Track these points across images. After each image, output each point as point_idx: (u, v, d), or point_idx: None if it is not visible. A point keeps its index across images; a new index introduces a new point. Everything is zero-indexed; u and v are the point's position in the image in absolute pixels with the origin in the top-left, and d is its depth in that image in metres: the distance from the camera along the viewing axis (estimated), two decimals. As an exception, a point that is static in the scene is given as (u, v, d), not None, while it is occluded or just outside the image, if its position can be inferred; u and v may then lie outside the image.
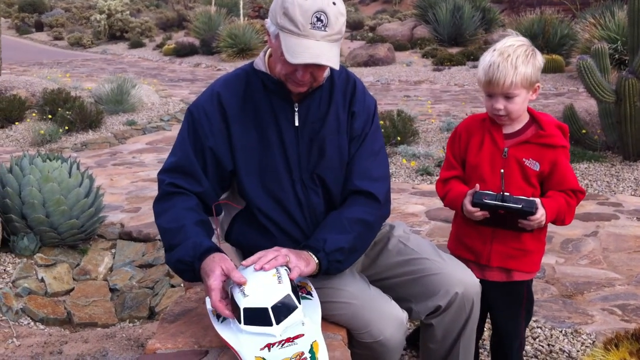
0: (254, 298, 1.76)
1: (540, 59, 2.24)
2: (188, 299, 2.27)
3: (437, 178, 2.54)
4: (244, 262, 1.87)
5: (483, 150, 2.31)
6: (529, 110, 2.32)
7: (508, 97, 2.21)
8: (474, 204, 2.20)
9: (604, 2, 15.97)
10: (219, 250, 1.91)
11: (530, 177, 2.27)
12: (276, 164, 2.06)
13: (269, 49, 2.08)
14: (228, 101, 2.06)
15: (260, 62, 2.10)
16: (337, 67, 1.92)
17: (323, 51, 1.87)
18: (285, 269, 1.85)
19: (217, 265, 1.83)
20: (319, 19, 1.85)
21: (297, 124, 2.06)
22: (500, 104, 2.22)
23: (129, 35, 26.05)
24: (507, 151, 2.28)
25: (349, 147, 2.12)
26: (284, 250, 1.90)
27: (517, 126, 2.31)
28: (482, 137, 2.32)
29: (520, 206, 2.16)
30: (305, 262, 1.91)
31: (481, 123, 2.35)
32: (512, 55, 2.17)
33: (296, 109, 2.06)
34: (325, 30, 1.86)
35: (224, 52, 18.39)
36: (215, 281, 1.81)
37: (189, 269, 1.90)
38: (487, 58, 2.22)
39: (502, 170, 2.19)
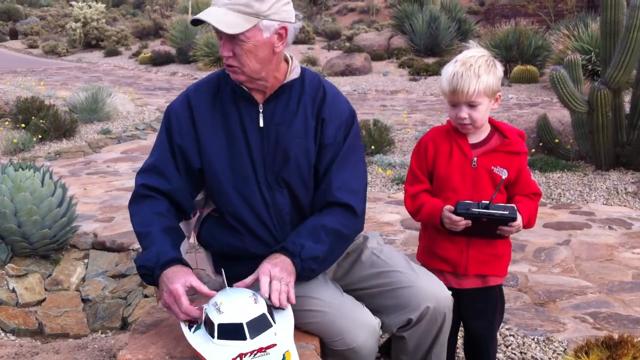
0: (229, 315, 1.77)
1: (500, 69, 2.32)
2: (160, 309, 2.25)
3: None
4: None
5: (452, 161, 2.35)
6: (489, 120, 2.38)
7: (472, 105, 2.27)
8: (458, 214, 2.22)
9: (577, 14, 16.23)
10: (182, 262, 1.96)
11: (499, 184, 2.31)
12: (243, 165, 2.09)
13: None
14: (197, 104, 2.14)
15: None
16: (221, 26, 1.94)
17: (216, 14, 1.95)
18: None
19: (183, 276, 1.89)
20: None
21: (261, 125, 2.10)
22: (465, 113, 2.27)
23: (104, 44, 25.86)
24: (477, 160, 2.32)
25: (320, 154, 2.13)
26: (274, 272, 1.90)
27: (482, 136, 2.37)
28: (450, 148, 2.36)
29: (507, 212, 2.21)
30: (287, 273, 1.92)
31: (446, 134, 2.39)
32: (474, 65, 2.24)
33: (260, 110, 2.10)
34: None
35: (200, 61, 18.33)
36: (180, 287, 1.85)
37: (149, 274, 1.95)
38: (450, 69, 2.29)
39: (503, 177, 2.25)
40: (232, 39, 1.97)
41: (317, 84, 2.18)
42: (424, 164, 2.41)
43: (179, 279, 1.87)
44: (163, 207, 2.08)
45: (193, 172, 2.13)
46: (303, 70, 2.18)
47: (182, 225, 2.15)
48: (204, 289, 1.87)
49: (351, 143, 2.16)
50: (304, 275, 1.99)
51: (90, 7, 26.78)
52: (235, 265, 2.12)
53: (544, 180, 6.33)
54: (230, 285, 1.91)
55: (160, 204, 2.09)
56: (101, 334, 3.75)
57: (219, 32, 1.98)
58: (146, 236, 2.01)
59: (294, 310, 1.92)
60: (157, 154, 2.15)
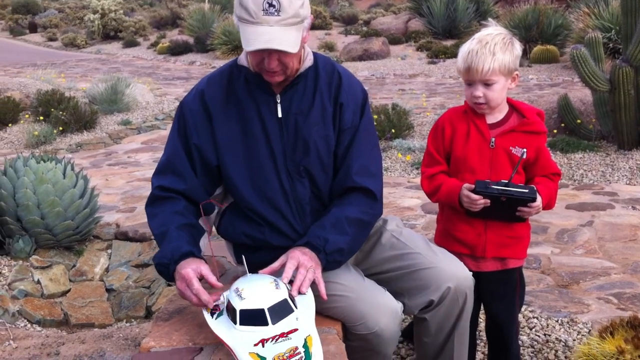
0: (251, 300, 1.77)
1: (518, 47, 2.28)
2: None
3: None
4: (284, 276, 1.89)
5: (470, 142, 2.32)
6: (507, 100, 2.35)
7: (487, 84, 2.24)
8: (477, 192, 2.20)
9: (597, -9, 15.96)
10: (196, 255, 1.97)
11: (517, 162, 2.28)
12: (261, 156, 2.08)
13: None
14: (211, 98, 2.11)
15: (243, 57, 2.13)
16: (293, 50, 1.91)
17: (276, 36, 1.88)
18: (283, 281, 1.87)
19: (194, 263, 1.91)
20: (270, 5, 1.87)
21: (280, 115, 2.08)
22: (480, 92, 2.24)
23: (123, 35, 25.99)
24: (495, 141, 2.29)
25: (339, 138, 2.12)
26: (303, 260, 1.92)
27: (500, 116, 2.34)
28: (467, 129, 2.33)
29: (527, 191, 2.18)
30: (315, 262, 1.95)
31: (463, 115, 2.36)
32: (490, 43, 2.21)
33: (278, 101, 2.08)
34: (279, 15, 1.87)
35: (218, 50, 18.35)
36: (191, 272, 1.87)
37: (166, 271, 1.96)
38: (466, 47, 2.26)
39: (524, 155, 2.20)
40: (282, 53, 1.93)
41: (330, 68, 2.16)
42: (441, 145, 2.38)
43: (190, 265, 1.89)
44: (181, 206, 2.08)
45: (211, 169, 2.11)
46: (315, 56, 2.16)
47: (201, 221, 2.15)
48: (212, 278, 1.88)
49: (366, 124, 2.16)
50: (328, 267, 2.01)
51: (107, -2, 26.92)
52: (256, 255, 2.13)
53: (565, 161, 6.27)
54: (251, 272, 1.92)
55: (178, 203, 2.09)
56: (126, 323, 3.79)
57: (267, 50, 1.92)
58: (163, 236, 2.01)
59: (316, 296, 1.92)
60: (170, 151, 2.13)
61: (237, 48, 17.55)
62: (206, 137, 2.09)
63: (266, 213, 2.10)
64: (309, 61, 2.11)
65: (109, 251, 4.56)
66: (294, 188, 2.10)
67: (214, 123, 2.09)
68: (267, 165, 2.08)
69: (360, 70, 14.82)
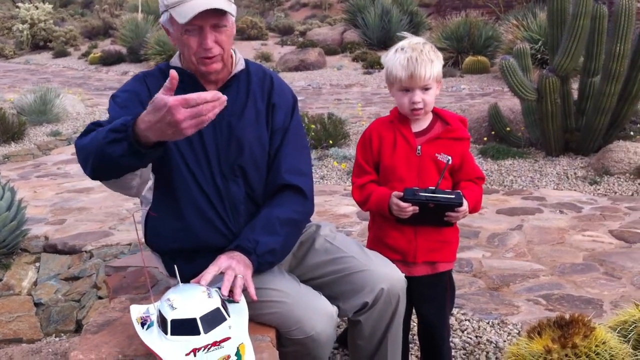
0: (182, 310, 1.75)
1: (440, 56, 2.35)
2: (112, 308, 2.22)
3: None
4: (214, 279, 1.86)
5: (397, 151, 2.36)
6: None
7: (425, 89, 2.28)
8: (405, 200, 2.24)
9: (526, 4, 16.49)
10: None
11: (443, 169, 2.33)
12: (197, 156, 2.07)
13: None
14: (152, 86, 2.09)
15: (176, 58, 2.16)
16: (229, 8, 1.95)
17: (212, 1, 1.91)
18: (216, 290, 1.84)
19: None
20: None
21: None
22: (419, 97, 2.28)
23: (53, 45, 25.35)
24: (421, 148, 2.34)
25: (271, 139, 2.15)
26: (231, 263, 1.91)
27: (424, 124, 2.39)
28: (394, 138, 2.38)
29: (454, 197, 2.23)
30: (244, 266, 1.94)
31: (390, 125, 2.41)
32: (424, 51, 2.27)
33: None
34: None
35: (152, 60, 18.06)
36: (175, 99, 1.57)
37: (123, 135, 1.68)
38: (400, 56, 2.28)
39: (449, 162, 2.23)
40: (217, 27, 1.97)
41: (262, 73, 2.22)
42: (369, 156, 2.42)
43: (165, 96, 1.58)
44: None
45: None
46: (247, 61, 2.21)
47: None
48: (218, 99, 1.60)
49: (296, 126, 2.21)
50: (262, 269, 2.02)
51: (37, 8, 26.21)
52: (188, 265, 2.09)
53: (496, 168, 6.42)
54: (184, 282, 1.89)
55: None
56: (55, 337, 3.67)
57: (197, 24, 1.93)
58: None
59: (249, 302, 1.91)
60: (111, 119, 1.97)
61: (171, 58, 17.30)
62: None
63: (205, 208, 2.08)
64: (240, 65, 2.15)
65: (38, 264, 4.42)
66: (228, 187, 2.10)
67: None
68: (202, 165, 2.07)
69: (297, 81, 14.86)
